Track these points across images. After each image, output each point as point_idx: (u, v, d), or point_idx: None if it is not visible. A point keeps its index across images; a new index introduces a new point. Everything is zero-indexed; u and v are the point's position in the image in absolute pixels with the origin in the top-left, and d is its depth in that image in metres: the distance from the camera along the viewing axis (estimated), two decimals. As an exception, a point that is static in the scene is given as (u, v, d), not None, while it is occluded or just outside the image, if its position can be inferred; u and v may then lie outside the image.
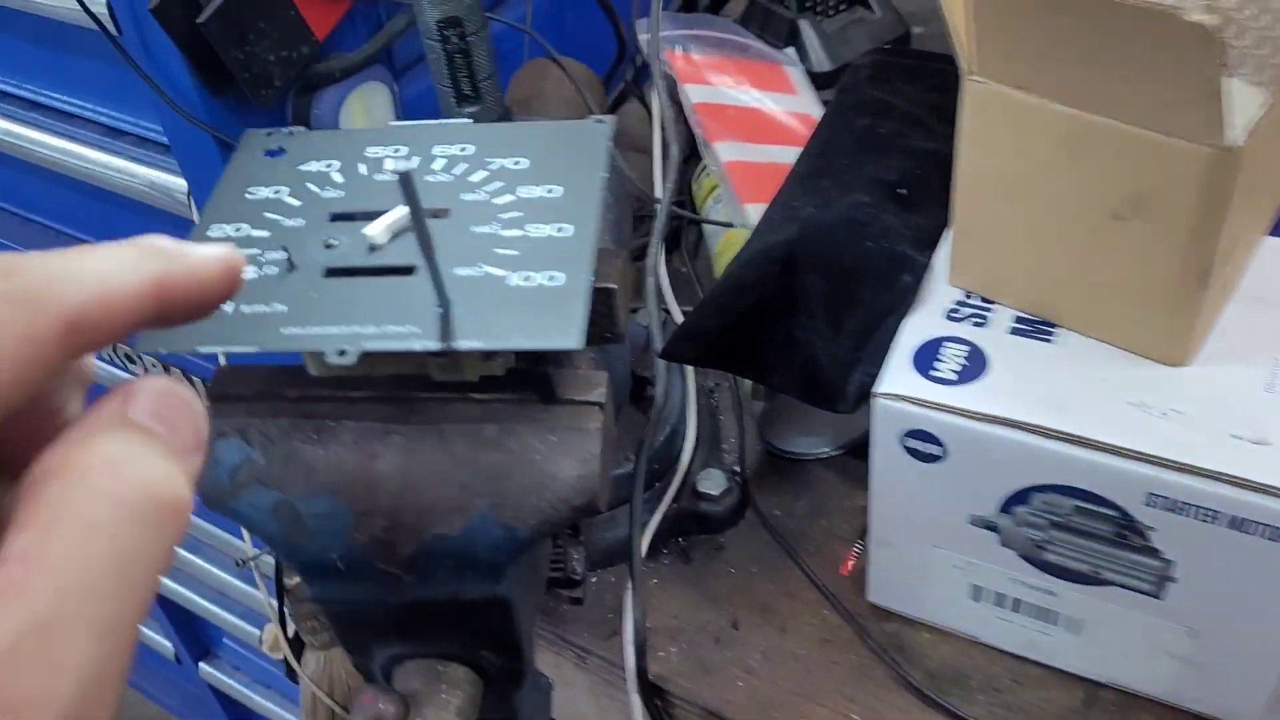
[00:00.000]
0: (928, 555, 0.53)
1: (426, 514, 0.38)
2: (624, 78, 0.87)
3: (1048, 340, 0.49)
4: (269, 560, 0.84)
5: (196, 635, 1.43)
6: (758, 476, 0.64)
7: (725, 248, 0.69)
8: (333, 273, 0.38)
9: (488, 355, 0.38)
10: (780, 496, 0.63)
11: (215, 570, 1.24)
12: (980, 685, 0.54)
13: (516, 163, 0.41)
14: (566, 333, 0.35)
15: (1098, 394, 0.46)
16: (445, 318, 0.36)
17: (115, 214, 0.82)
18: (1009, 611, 0.53)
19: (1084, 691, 0.53)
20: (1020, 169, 0.47)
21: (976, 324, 0.50)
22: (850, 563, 0.56)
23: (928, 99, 0.63)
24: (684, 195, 0.78)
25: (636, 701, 0.55)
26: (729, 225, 0.69)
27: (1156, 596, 0.48)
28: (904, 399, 0.48)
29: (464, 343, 0.35)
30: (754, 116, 0.73)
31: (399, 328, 0.36)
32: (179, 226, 0.74)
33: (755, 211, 0.65)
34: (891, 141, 0.60)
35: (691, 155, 0.77)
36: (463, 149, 0.42)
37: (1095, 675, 0.53)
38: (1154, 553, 0.46)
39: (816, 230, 0.54)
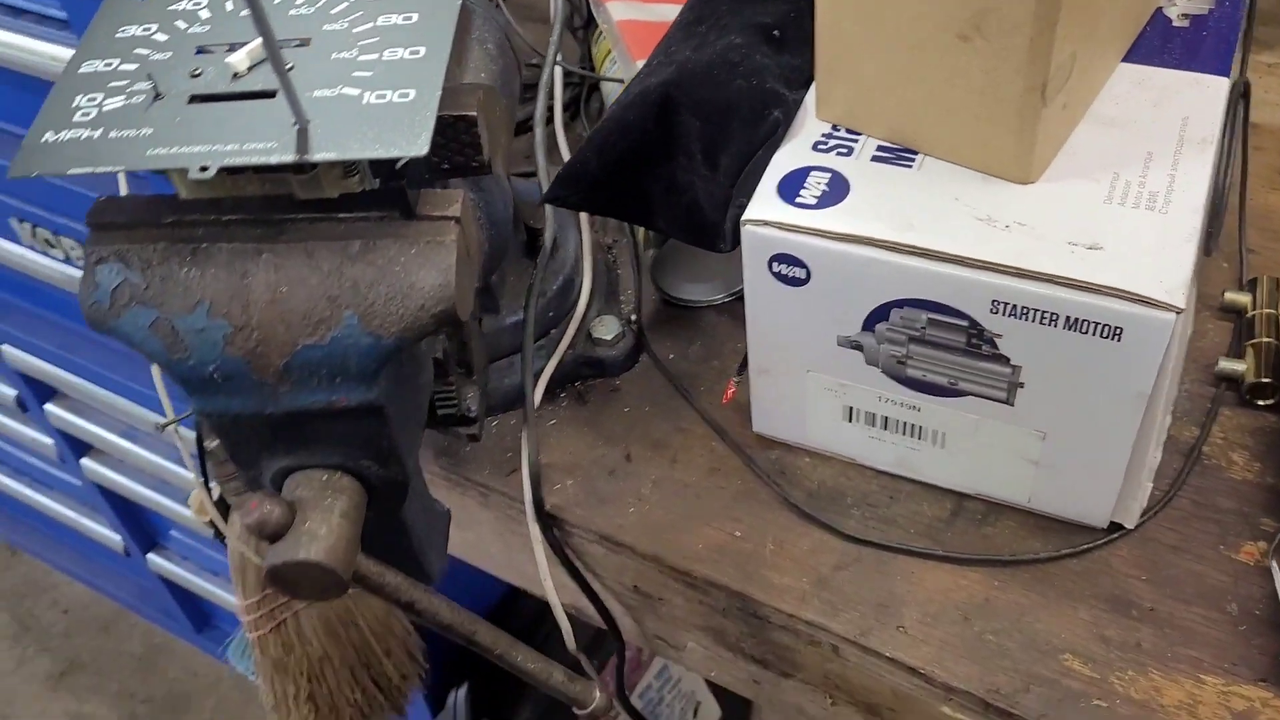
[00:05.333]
0: (803, 381, 0.56)
1: (296, 326, 0.40)
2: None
3: (907, 166, 0.52)
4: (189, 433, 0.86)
5: (143, 526, 1.46)
6: (653, 324, 0.67)
7: (622, 105, 0.71)
8: (197, 99, 0.40)
9: (347, 172, 0.40)
10: (674, 341, 0.66)
11: (158, 459, 1.26)
12: (856, 501, 0.57)
13: (375, -8, 0.43)
14: (413, 142, 0.37)
15: (949, 211, 0.49)
16: (302, 134, 0.38)
17: (13, 94, 0.83)
18: (880, 430, 0.56)
19: (952, 503, 0.56)
20: (875, -2, 0.49)
21: (841, 154, 0.53)
22: (730, 392, 0.59)
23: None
24: (588, 62, 0.79)
25: (535, 531, 0.58)
26: (622, 82, 0.70)
27: (1009, 403, 0.51)
28: (768, 224, 0.50)
29: (319, 154, 0.37)
30: (647, -25, 0.75)
31: (259, 144, 0.37)
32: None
33: (646, 66, 0.66)
34: (770, -13, 0.61)
35: (591, 21, 0.78)
36: (325, -19, 0.44)
37: (962, 487, 0.56)
38: (1003, 360, 0.49)
39: (692, 72, 0.56)
